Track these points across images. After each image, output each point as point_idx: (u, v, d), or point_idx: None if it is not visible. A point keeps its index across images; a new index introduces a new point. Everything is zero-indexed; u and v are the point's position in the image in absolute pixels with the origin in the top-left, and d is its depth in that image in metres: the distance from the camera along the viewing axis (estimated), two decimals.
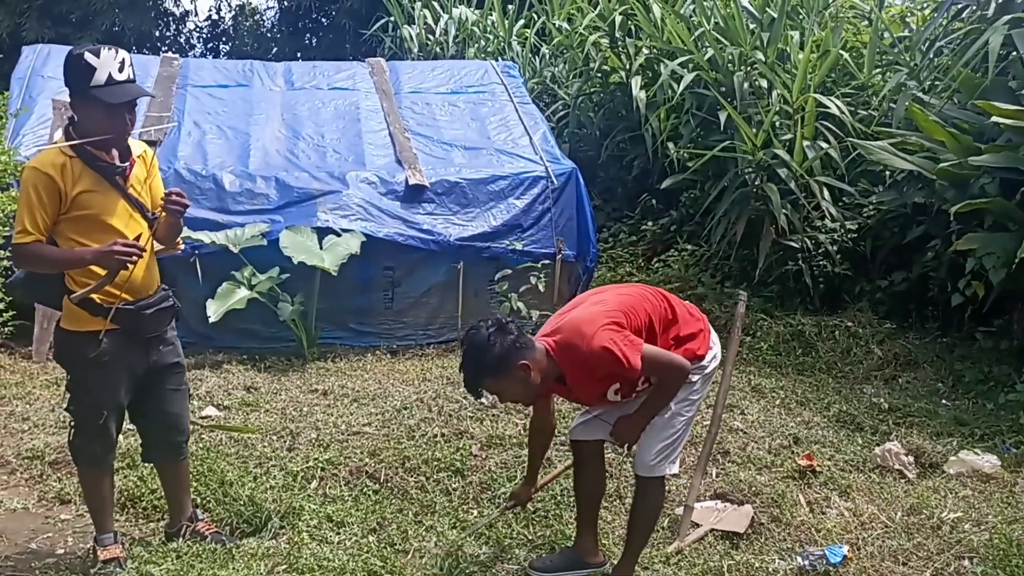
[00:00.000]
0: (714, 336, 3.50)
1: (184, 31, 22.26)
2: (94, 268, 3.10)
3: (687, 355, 3.29)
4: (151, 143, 7.20)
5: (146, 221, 3.23)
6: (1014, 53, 5.99)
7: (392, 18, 12.71)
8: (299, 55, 20.11)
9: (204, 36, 23.13)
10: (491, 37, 11.80)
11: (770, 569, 3.63)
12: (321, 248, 6.41)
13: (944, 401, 5.62)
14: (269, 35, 22.71)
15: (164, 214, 3.20)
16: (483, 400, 5.29)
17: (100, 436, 3.31)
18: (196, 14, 34.36)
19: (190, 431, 3.73)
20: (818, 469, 4.43)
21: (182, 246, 3.50)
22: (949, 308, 6.63)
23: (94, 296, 3.11)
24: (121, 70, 3.08)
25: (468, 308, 7.12)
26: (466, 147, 7.67)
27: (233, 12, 23.07)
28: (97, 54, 3.06)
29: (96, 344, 3.14)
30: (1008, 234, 5.36)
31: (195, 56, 19.73)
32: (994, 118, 5.27)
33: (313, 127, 7.65)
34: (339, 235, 6.56)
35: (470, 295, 7.14)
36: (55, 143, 3.27)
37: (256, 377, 5.83)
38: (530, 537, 3.90)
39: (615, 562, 3.59)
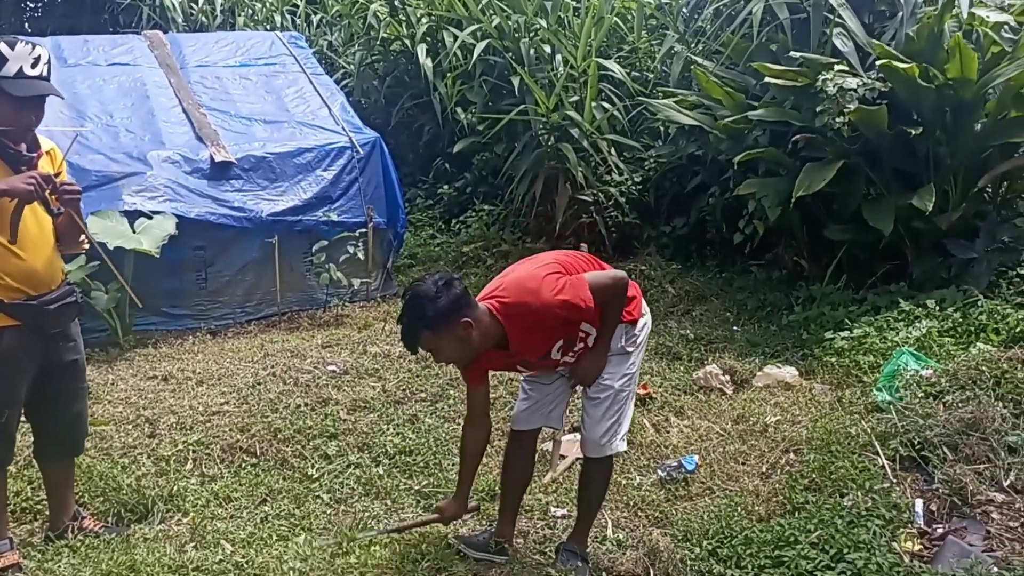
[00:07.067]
0: (645, 306, 3.47)
1: None
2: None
3: (625, 317, 3.29)
4: None
5: (49, 215, 3.14)
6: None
7: None
8: (27, 26, 18.43)
9: None
10: (259, 5, 11.54)
11: (636, 484, 4.12)
12: (134, 232, 6.19)
13: (735, 327, 6.41)
14: None
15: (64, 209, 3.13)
16: (333, 368, 5.46)
17: (2, 436, 3.19)
18: None
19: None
20: (653, 396, 5.00)
21: (87, 245, 3.40)
22: (725, 247, 7.53)
23: None
24: (34, 66, 3.05)
25: (286, 282, 7.16)
26: (266, 121, 7.61)
27: None
28: (12, 46, 3.03)
29: None
30: (780, 178, 6.19)
31: None
32: (767, 78, 6.05)
33: (98, 106, 7.27)
34: (150, 217, 6.36)
35: (286, 269, 7.16)
36: None
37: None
38: (416, 488, 4.15)
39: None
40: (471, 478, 3.52)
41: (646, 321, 3.44)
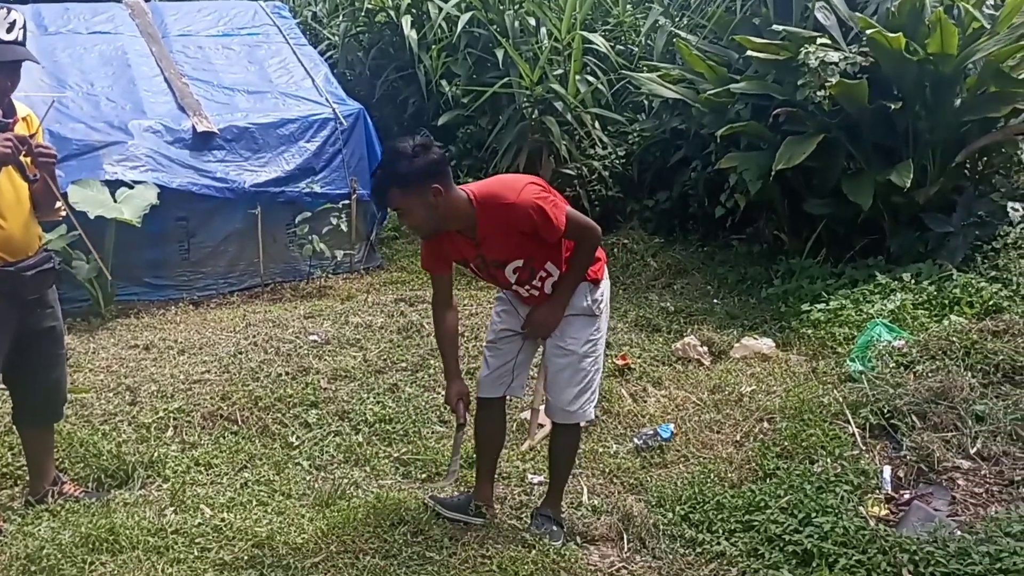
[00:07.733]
0: (607, 273, 3.46)
1: None
2: None
3: (588, 276, 3.30)
4: None
5: (26, 181, 3.14)
6: None
7: None
8: None
9: None
10: None
11: (612, 452, 4.18)
12: (115, 201, 6.18)
13: (715, 300, 6.47)
14: None
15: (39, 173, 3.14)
16: (315, 338, 5.49)
17: None
18: None
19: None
20: (632, 366, 5.05)
21: (63, 212, 3.41)
22: (707, 220, 7.56)
23: None
24: (9, 31, 3.06)
25: (269, 253, 7.17)
26: (249, 91, 7.59)
27: None
28: None
29: None
30: (761, 152, 6.23)
31: None
32: (749, 52, 6.07)
33: (79, 75, 7.24)
34: (131, 187, 6.36)
35: (269, 240, 7.18)
36: None
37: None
38: (396, 455, 4.20)
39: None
40: (454, 356, 3.49)
41: (607, 287, 3.44)
